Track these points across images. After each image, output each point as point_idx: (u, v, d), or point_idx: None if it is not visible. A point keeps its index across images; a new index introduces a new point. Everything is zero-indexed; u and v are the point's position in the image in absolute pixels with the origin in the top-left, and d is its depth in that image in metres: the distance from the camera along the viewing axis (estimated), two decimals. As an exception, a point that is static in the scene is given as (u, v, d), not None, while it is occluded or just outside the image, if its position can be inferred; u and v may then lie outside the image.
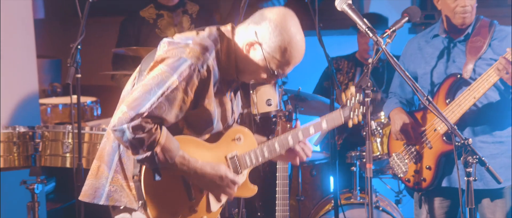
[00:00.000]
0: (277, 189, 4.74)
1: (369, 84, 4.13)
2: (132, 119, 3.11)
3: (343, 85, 6.31)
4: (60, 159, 4.74)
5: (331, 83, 5.04)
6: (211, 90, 3.29)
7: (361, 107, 3.84)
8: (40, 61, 6.48)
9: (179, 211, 3.37)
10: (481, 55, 4.60)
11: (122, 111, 3.13)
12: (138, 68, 3.43)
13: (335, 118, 3.79)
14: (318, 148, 6.46)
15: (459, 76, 4.60)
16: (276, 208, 4.78)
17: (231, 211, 4.81)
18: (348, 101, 3.84)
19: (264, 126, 5.41)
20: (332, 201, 5.13)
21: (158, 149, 3.19)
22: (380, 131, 5.47)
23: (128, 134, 3.12)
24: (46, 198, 5.81)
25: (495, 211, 4.70)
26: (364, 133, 4.52)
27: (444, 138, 4.57)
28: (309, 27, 5.02)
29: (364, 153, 5.36)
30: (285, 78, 7.00)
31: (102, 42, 5.97)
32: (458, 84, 4.59)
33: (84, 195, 3.40)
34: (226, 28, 3.40)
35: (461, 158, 3.75)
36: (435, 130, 4.62)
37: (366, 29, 3.76)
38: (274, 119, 4.77)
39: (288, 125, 4.66)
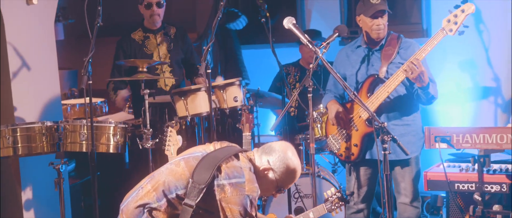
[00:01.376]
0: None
1: (310, 83, 4.18)
2: None
3: (291, 85, 6.33)
4: (78, 145, 4.71)
5: (282, 83, 5.08)
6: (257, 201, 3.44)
7: (340, 201, 4.05)
8: (61, 72, 6.45)
9: None
10: (392, 60, 4.64)
11: None
12: (183, 164, 3.42)
13: (320, 210, 4.03)
14: (273, 133, 6.49)
15: (376, 76, 4.63)
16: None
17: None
18: (329, 197, 4.04)
19: (232, 116, 5.45)
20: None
21: None
22: (320, 118, 5.50)
23: None
24: (68, 175, 5.77)
25: (404, 176, 4.76)
26: (308, 121, 4.56)
27: (367, 122, 4.60)
28: (265, 41, 5.06)
29: (308, 136, 5.41)
30: (248, 80, 7.04)
31: (107, 55, 5.95)
32: (375, 82, 4.62)
33: None
34: (249, 156, 3.49)
35: (379, 137, 3.82)
36: (359, 116, 4.64)
37: (307, 42, 3.81)
38: (239, 112, 4.82)
39: (251, 116, 4.70)
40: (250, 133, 4.68)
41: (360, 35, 4.85)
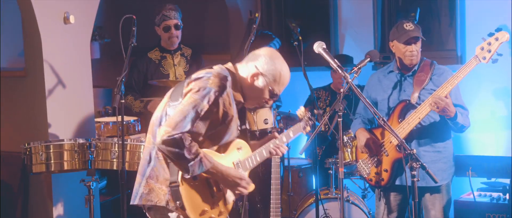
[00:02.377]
0: (271, 187, 4.75)
1: (341, 107, 4.16)
2: (177, 135, 3.16)
3: (322, 109, 6.31)
4: (109, 163, 4.73)
5: (313, 106, 5.06)
6: (232, 109, 3.37)
7: (310, 119, 3.96)
8: (96, 90, 6.51)
9: (206, 207, 3.39)
10: (424, 86, 4.60)
11: (167, 132, 3.16)
12: (166, 98, 3.44)
13: (297, 128, 3.91)
14: (303, 156, 6.47)
15: (408, 101, 4.60)
16: (271, 201, 4.78)
17: (237, 204, 4.80)
18: (303, 117, 3.95)
19: (262, 138, 5.43)
20: (314, 196, 5.13)
21: (202, 154, 3.25)
22: (350, 143, 5.47)
23: (181, 143, 3.16)
24: (99, 193, 5.81)
25: (435, 203, 4.68)
26: (338, 145, 4.54)
27: (397, 148, 4.55)
28: (297, 64, 5.06)
29: (338, 160, 5.37)
30: (279, 102, 7.03)
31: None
32: (407, 107, 4.58)
33: (131, 200, 3.45)
34: (228, 65, 3.49)
35: (408, 164, 3.77)
36: (390, 142, 4.60)
37: (337, 67, 3.80)
38: (269, 134, 4.80)
39: (280, 139, 4.68)
40: (280, 156, 4.66)
41: (392, 60, 4.83)
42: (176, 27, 5.59)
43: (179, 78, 5.61)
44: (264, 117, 4.97)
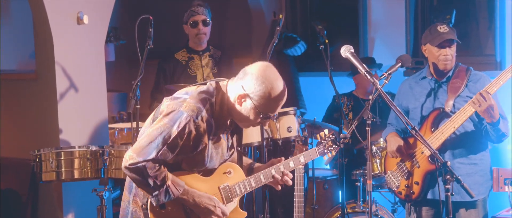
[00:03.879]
0: (294, 199, 4.73)
1: (369, 115, 4.13)
2: (140, 164, 3.13)
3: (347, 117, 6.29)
4: (123, 172, 4.72)
5: (339, 114, 5.05)
6: (206, 137, 3.26)
7: (333, 144, 3.83)
8: (110, 94, 6.54)
9: None
10: (460, 93, 4.57)
11: (131, 157, 3.15)
12: (152, 115, 3.41)
13: (311, 153, 3.77)
14: (328, 167, 6.44)
15: (442, 109, 4.57)
16: (294, 215, 4.77)
17: (257, 216, 4.79)
18: (323, 140, 3.83)
19: (285, 148, 5.43)
20: (340, 209, 5.11)
21: (169, 183, 3.20)
22: (379, 153, 5.44)
23: (145, 172, 3.13)
24: (113, 203, 5.84)
25: (470, 219, 4.66)
26: (366, 155, 4.52)
27: (429, 159, 4.52)
28: (322, 68, 5.05)
29: (366, 171, 5.35)
30: (304, 109, 7.03)
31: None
32: (441, 116, 4.55)
33: (120, 216, 3.45)
34: (223, 83, 3.36)
35: (442, 177, 3.75)
36: (422, 152, 4.57)
37: (365, 73, 3.78)
38: (293, 143, 4.80)
39: (305, 148, 4.67)
40: (303, 167, 4.65)
41: (425, 66, 4.80)
42: (204, 23, 5.57)
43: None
44: (288, 125, 4.97)
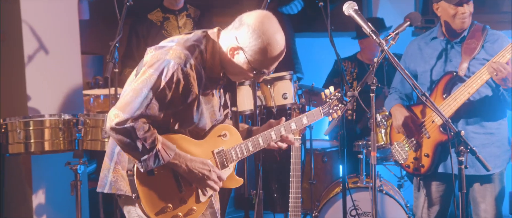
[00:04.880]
0: (291, 173, 4.74)
1: (374, 81, 4.12)
2: (128, 121, 3.08)
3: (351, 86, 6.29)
4: (99, 143, 4.75)
5: (340, 79, 5.04)
6: (196, 87, 3.22)
7: (339, 103, 3.82)
8: (85, 57, 6.50)
9: (170, 203, 3.31)
10: (475, 55, 4.56)
11: (116, 115, 3.10)
12: (134, 71, 3.37)
13: (315, 114, 3.76)
14: (328, 138, 6.45)
15: (455, 73, 4.56)
16: (290, 190, 4.77)
17: (249, 192, 4.80)
18: (328, 99, 3.82)
19: (280, 117, 5.41)
20: (341, 184, 5.12)
21: (159, 146, 3.16)
22: (385, 122, 5.45)
23: (133, 134, 3.09)
24: (88, 178, 5.84)
25: (485, 195, 4.65)
26: (370, 125, 4.52)
27: (441, 129, 4.53)
28: (322, 29, 5.02)
29: (369, 142, 5.36)
30: (301, 74, 7.01)
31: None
32: (454, 81, 4.55)
33: (98, 186, 3.42)
34: (213, 31, 3.33)
35: (455, 148, 3.75)
36: (433, 121, 4.58)
37: (370, 32, 3.76)
38: (289, 111, 4.79)
39: (301, 117, 4.66)
40: (301, 137, 4.65)
41: (437, 25, 4.78)
42: None
43: None
44: (283, 91, 4.95)
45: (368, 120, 5.61)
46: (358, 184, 5.40)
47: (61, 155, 4.98)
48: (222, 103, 3.47)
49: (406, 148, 4.72)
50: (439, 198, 4.76)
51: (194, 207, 3.40)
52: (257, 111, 4.66)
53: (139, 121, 3.10)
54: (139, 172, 3.22)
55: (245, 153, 3.51)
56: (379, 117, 5.41)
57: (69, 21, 5.53)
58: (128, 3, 4.60)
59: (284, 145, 3.64)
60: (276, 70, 6.24)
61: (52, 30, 5.38)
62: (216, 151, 3.42)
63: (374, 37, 3.76)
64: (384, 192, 5.26)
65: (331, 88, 3.90)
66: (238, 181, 3.57)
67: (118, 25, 4.54)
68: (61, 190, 5.28)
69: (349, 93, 3.92)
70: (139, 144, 3.11)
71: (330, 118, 3.85)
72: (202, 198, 3.43)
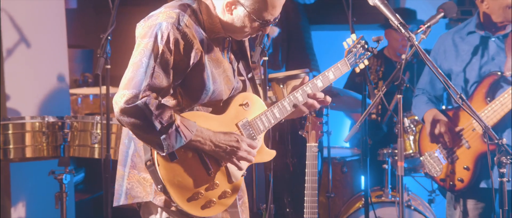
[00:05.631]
0: (306, 185, 4.69)
1: (402, 80, 4.11)
2: (137, 97, 3.11)
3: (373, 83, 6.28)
4: (88, 149, 4.75)
5: (363, 79, 5.00)
6: (198, 44, 3.25)
7: (365, 51, 3.80)
8: (72, 51, 6.51)
9: (200, 188, 3.31)
10: (524, 53, 4.56)
11: (123, 95, 3.12)
12: None
13: (341, 66, 3.73)
14: (348, 145, 6.42)
15: (499, 74, 4.54)
16: (305, 204, 4.74)
17: (259, 206, 4.77)
18: (352, 47, 3.80)
19: (294, 121, 5.40)
20: (363, 199, 5.08)
21: (178, 121, 3.17)
22: (414, 128, 5.43)
23: (146, 111, 3.10)
24: (75, 189, 5.83)
25: (530, 213, 4.64)
26: (396, 130, 4.49)
27: (484, 138, 4.51)
28: (342, 20, 4.98)
29: (396, 151, 5.32)
30: (317, 71, 6.98)
31: (131, 32, 5.95)
32: (498, 82, 4.54)
33: (114, 200, 3.41)
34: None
35: (495, 158, 3.70)
36: (473, 129, 4.57)
37: (398, 25, 3.72)
38: (304, 114, 4.74)
39: (319, 121, 4.63)
40: (317, 144, 4.61)
41: (474, 16, 4.76)
42: None
43: None
44: (298, 91, 4.92)
45: (394, 125, 5.57)
46: (383, 198, 5.37)
47: (45, 163, 4.98)
48: (235, 67, 3.48)
49: (440, 159, 4.69)
50: (477, 217, 4.73)
51: (228, 190, 3.40)
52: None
53: (150, 96, 3.13)
54: (161, 159, 3.22)
55: (272, 121, 3.51)
56: (407, 121, 5.39)
57: (54, 9, 5.54)
58: (122, -10, 4.58)
59: (315, 103, 3.62)
60: (289, 68, 6.23)
61: (35, 20, 5.39)
62: (241, 124, 3.42)
63: (403, 31, 3.72)
64: (412, 207, 5.23)
65: (353, 35, 3.86)
66: (271, 154, 3.57)
67: (111, 15, 4.51)
68: (44, 202, 5.27)
69: (374, 37, 3.88)
70: (156, 122, 3.12)
71: (357, 70, 3.81)
72: (236, 177, 3.42)
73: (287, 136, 5.56)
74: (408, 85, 5.53)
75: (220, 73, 3.37)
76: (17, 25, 5.27)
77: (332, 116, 5.77)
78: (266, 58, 4.52)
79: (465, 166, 4.59)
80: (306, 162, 4.67)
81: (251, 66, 3.68)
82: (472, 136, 4.56)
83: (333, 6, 7.13)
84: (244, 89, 3.54)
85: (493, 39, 4.64)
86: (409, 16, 6.35)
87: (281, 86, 4.94)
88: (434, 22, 4.20)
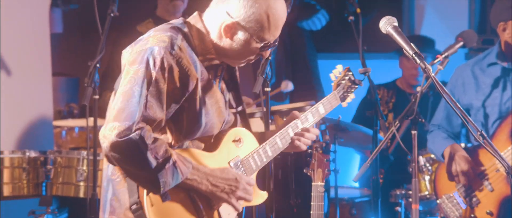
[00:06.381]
0: (311, 229, 4.71)
1: (416, 115, 4.12)
2: (130, 129, 3.02)
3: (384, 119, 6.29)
4: (73, 188, 4.76)
5: (374, 112, 5.02)
6: (193, 70, 3.20)
7: (352, 84, 3.86)
8: (56, 79, 6.53)
9: None
10: (550, 86, 4.59)
11: (113, 127, 3.04)
12: (114, 92, 3.30)
13: (331, 99, 3.78)
14: (357, 184, 6.42)
15: (525, 109, 4.56)
16: (310, 250, 4.75)
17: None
18: (340, 80, 3.85)
19: (299, 156, 5.41)
20: (373, 244, 5.10)
21: (175, 156, 3.12)
22: (429, 167, 5.43)
23: (142, 145, 3.02)
24: (57, 231, 5.82)
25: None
26: (411, 169, 4.50)
27: (509, 180, 4.51)
28: (352, 49, 5.02)
29: (410, 192, 5.32)
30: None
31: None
32: (523, 119, 4.55)
33: None
34: (192, 16, 3.35)
35: (518, 201, 3.73)
36: (497, 170, 4.57)
37: (413, 55, 3.74)
38: (309, 151, 4.76)
39: (325, 158, 4.65)
40: (324, 184, 4.63)
41: (494, 47, 4.79)
42: None
43: None
44: (303, 126, 4.94)
45: (408, 163, 5.58)
46: (395, 244, 5.37)
47: (24, 202, 4.97)
48: (226, 98, 3.45)
49: (459, 203, 4.69)
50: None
51: None
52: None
53: (145, 128, 3.06)
54: (149, 202, 3.16)
55: (265, 160, 3.50)
56: (422, 160, 5.39)
57: (38, 34, 5.57)
58: (112, 14, 4.60)
59: (307, 140, 3.63)
60: (293, 100, 6.26)
61: (17, 45, 5.42)
62: (233, 163, 3.40)
63: (418, 61, 3.73)
64: (428, 255, 5.24)
65: (339, 66, 3.90)
66: (262, 196, 3.56)
67: (100, 41, 4.54)
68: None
69: (361, 69, 4.07)
70: (151, 157, 3.05)
71: (344, 104, 3.88)
72: None
73: (291, 174, 5.57)
74: (423, 120, 5.56)
75: (212, 104, 3.34)
76: (-5, 50, 5.31)
77: (340, 153, 5.77)
78: (268, 89, 4.54)
79: (488, 211, 4.58)
80: (311, 203, 4.68)
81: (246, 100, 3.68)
82: (495, 177, 4.57)
83: (342, 33, 7.17)
84: (235, 123, 3.52)
85: (517, 71, 4.66)
86: (426, 44, 6.37)
87: (284, 119, 4.96)
88: (452, 52, 4.22)
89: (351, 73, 3.86)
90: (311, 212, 4.70)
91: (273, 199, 4.54)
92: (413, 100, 4.09)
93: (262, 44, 3.29)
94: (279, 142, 3.54)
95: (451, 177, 4.68)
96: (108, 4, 4.61)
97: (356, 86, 3.88)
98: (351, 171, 6.67)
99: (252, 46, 3.30)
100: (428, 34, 6.67)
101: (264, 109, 4.58)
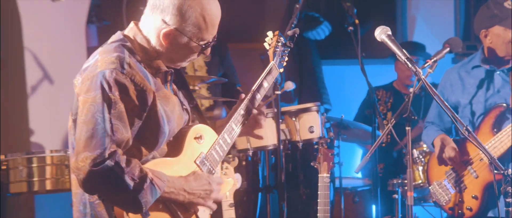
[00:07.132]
0: (318, 215, 4.69)
1: (410, 112, 4.10)
2: (103, 156, 2.81)
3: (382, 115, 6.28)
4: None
5: (373, 111, 5.01)
6: (148, 84, 2.98)
7: (284, 48, 3.63)
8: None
9: None
10: (529, 85, 4.56)
11: (86, 158, 2.81)
12: (70, 117, 3.09)
13: (272, 71, 3.53)
14: (359, 175, 6.41)
15: (505, 105, 4.53)
16: (318, 234, 4.73)
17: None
18: (274, 47, 3.62)
19: (306, 152, 5.40)
20: (374, 227, 5.08)
21: (150, 174, 2.91)
22: (422, 159, 5.41)
23: (117, 170, 2.82)
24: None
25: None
26: (406, 161, 4.48)
27: (491, 167, 4.47)
28: (352, 56, 5.00)
29: (405, 181, 5.30)
30: (328, 105, 6.99)
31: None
32: (504, 114, 4.52)
33: None
34: (129, 28, 3.12)
35: (501, 188, 3.70)
36: (481, 159, 4.54)
37: (405, 60, 3.73)
38: (316, 146, 4.76)
39: (330, 153, 4.64)
40: (329, 175, 4.62)
41: (478, 51, 4.77)
42: None
43: (198, 71, 5.57)
44: (309, 124, 4.92)
45: (404, 155, 5.56)
46: (393, 227, 5.35)
47: (67, 195, 4.96)
48: (181, 100, 3.26)
49: (449, 188, 4.67)
50: (487, 246, 4.69)
51: None
52: (281, 146, 4.63)
53: (117, 152, 2.85)
54: None
55: (226, 148, 3.30)
56: (416, 153, 5.37)
57: (75, 48, 5.57)
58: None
59: (262, 118, 3.44)
60: (301, 101, 6.23)
61: (57, 58, 5.41)
62: (199, 161, 3.20)
63: (410, 65, 3.73)
64: (422, 236, 5.21)
65: (269, 33, 3.69)
66: (229, 183, 3.44)
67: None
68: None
69: (289, 32, 3.83)
70: (129, 180, 2.84)
71: (281, 70, 3.64)
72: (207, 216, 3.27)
73: (300, 167, 5.57)
74: (416, 117, 5.54)
75: (171, 110, 3.12)
76: (40, 62, 5.30)
77: (343, 148, 5.78)
78: (279, 92, 4.54)
79: (474, 195, 4.56)
80: (318, 192, 4.67)
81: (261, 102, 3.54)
82: (479, 166, 4.54)
83: (343, 42, 7.15)
84: (189, 120, 3.30)
85: (498, 72, 4.63)
86: (418, 49, 6.36)
87: (294, 119, 4.95)
88: (440, 56, 4.19)
89: (281, 37, 3.62)
90: (318, 200, 4.69)
91: (285, 189, 4.53)
92: (407, 99, 4.08)
93: (202, 45, 3.11)
94: (234, 126, 3.33)
95: (441, 162, 4.66)
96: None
97: (288, 49, 3.65)
98: (353, 164, 6.66)
99: (193, 47, 3.10)
100: (418, 40, 6.66)
101: (275, 110, 4.59)
